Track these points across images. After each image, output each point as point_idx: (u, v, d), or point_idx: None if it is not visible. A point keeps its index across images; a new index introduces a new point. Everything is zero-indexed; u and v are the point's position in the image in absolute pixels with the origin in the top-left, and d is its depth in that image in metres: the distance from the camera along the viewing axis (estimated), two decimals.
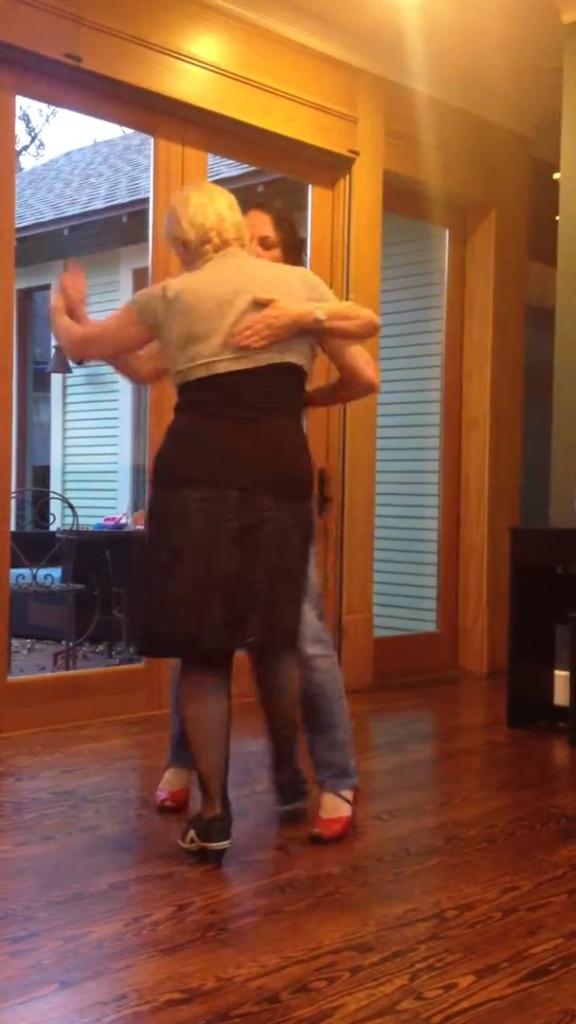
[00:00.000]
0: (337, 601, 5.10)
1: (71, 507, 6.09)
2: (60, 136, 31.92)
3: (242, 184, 6.22)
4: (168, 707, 3.38)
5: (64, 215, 8.56)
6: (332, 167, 5.10)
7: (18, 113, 8.65)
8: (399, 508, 6.07)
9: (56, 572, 5.86)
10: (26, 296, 8.81)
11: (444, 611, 5.91)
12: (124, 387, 8.44)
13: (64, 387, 9.02)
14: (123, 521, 6.72)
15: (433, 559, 5.94)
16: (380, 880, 2.60)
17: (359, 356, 2.89)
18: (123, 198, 8.21)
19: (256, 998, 1.94)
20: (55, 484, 8.90)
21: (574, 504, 4.46)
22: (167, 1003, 1.92)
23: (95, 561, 5.98)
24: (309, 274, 2.87)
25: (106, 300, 7.46)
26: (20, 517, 6.99)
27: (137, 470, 8.16)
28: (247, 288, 2.68)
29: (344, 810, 2.95)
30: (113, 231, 8.15)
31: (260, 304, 2.64)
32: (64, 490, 8.32)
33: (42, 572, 5.57)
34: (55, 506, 6.98)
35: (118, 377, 8.47)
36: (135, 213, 7.63)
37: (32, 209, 9.41)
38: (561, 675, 4.40)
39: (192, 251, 2.78)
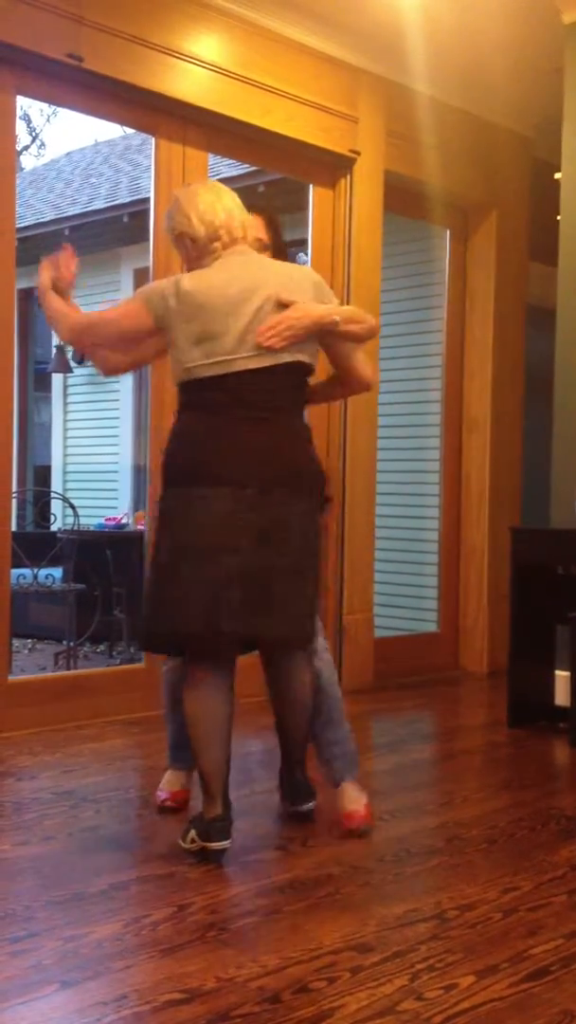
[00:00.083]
0: (338, 601, 5.10)
1: (72, 507, 6.09)
2: (61, 136, 31.95)
3: (243, 184, 6.22)
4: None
5: (65, 215, 8.57)
6: (333, 167, 5.10)
7: (19, 113, 8.65)
8: (400, 508, 6.07)
9: (57, 572, 5.86)
10: (27, 296, 8.81)
11: (445, 611, 5.91)
12: (125, 387, 8.45)
13: (65, 387, 9.02)
14: (124, 521, 6.73)
15: (434, 559, 5.94)
16: (381, 880, 2.60)
17: (359, 355, 2.93)
18: (124, 198, 8.22)
19: (256, 998, 1.94)
20: (56, 484, 8.90)
21: (575, 504, 4.46)
22: (167, 1003, 1.92)
23: (96, 561, 5.98)
24: (314, 274, 2.91)
25: (106, 300, 7.47)
26: (21, 517, 6.99)
27: (138, 470, 8.16)
28: (260, 287, 2.70)
29: (364, 796, 3.00)
30: (114, 231, 8.15)
31: (280, 304, 2.68)
32: (65, 490, 8.32)
33: (43, 572, 5.57)
34: (56, 506, 6.98)
35: (119, 377, 8.53)
36: (136, 213, 7.64)
37: (33, 209, 9.42)
38: (561, 675, 4.40)
39: (200, 248, 2.78)
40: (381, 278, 5.28)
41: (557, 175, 4.66)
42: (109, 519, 6.81)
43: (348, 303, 4.99)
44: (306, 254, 5.18)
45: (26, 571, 5.43)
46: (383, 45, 5.00)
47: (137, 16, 4.20)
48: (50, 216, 8.79)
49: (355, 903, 2.44)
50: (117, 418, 8.59)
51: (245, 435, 2.67)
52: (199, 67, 4.42)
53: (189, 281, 2.70)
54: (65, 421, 9.06)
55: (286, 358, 2.70)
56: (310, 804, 3.01)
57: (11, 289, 4.08)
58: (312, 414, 3.28)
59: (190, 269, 2.81)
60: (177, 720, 3.12)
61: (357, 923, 2.30)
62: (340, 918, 2.34)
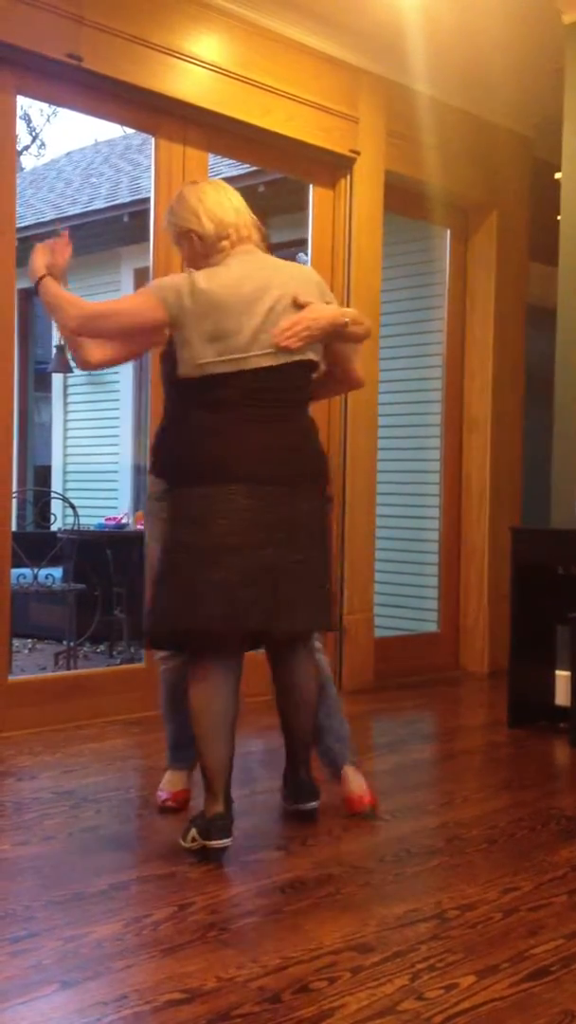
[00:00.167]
0: (338, 601, 5.10)
1: (72, 507, 6.09)
2: (61, 136, 31.96)
3: (243, 184, 6.21)
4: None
5: (65, 215, 8.57)
6: (333, 167, 5.10)
7: (19, 113, 8.64)
8: (400, 508, 6.07)
9: (57, 572, 5.86)
10: (27, 296, 8.81)
11: (445, 611, 5.91)
12: (125, 387, 8.45)
13: (65, 387, 9.02)
14: (124, 521, 6.72)
15: (434, 559, 5.94)
16: (381, 880, 2.60)
17: (355, 355, 3.01)
18: (124, 198, 8.22)
19: (257, 998, 1.94)
20: (56, 484, 8.90)
21: (575, 505, 4.46)
22: (167, 1003, 1.92)
23: (96, 561, 5.98)
24: (315, 274, 2.95)
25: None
26: (21, 517, 6.99)
27: (138, 470, 8.16)
28: (272, 286, 2.73)
29: (364, 778, 3.12)
30: (114, 231, 8.16)
31: (295, 304, 2.73)
32: (65, 490, 8.32)
33: (43, 572, 5.57)
34: (56, 506, 6.98)
35: (119, 377, 8.53)
36: (136, 213, 7.64)
37: (33, 209, 9.42)
38: (562, 675, 4.40)
39: (208, 245, 2.79)
40: (381, 278, 5.28)
41: (557, 175, 4.66)
42: (109, 519, 6.81)
43: (349, 303, 5.00)
44: (306, 254, 5.18)
45: (26, 571, 5.43)
46: (383, 45, 5.00)
47: (137, 16, 4.20)
48: (50, 216, 8.80)
49: (355, 903, 2.44)
50: (117, 418, 8.58)
51: (260, 433, 2.71)
52: (199, 67, 4.42)
53: (204, 279, 2.71)
54: (65, 421, 9.06)
55: (297, 356, 2.75)
56: (313, 803, 3.01)
57: (11, 289, 4.08)
58: (312, 413, 3.28)
59: (195, 267, 2.81)
60: (177, 720, 3.12)
61: (357, 923, 2.30)
62: (340, 918, 2.34)
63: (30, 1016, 1.87)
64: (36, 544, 5.78)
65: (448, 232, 5.89)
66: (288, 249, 5.45)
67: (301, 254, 5.38)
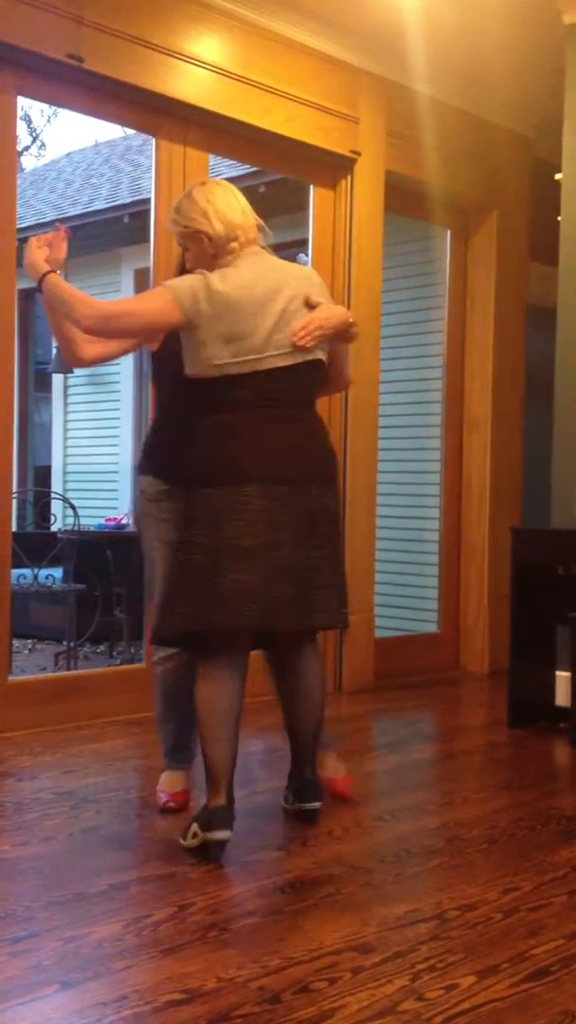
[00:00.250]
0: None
1: (72, 507, 6.09)
2: (61, 136, 31.93)
3: (243, 185, 6.15)
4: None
5: (65, 215, 8.56)
6: (333, 167, 5.10)
7: (20, 113, 8.65)
8: (400, 508, 6.06)
9: (57, 572, 5.86)
10: (27, 296, 8.81)
11: (445, 611, 5.91)
12: (125, 387, 8.45)
13: (65, 387, 9.02)
14: (124, 521, 6.72)
15: (434, 559, 5.94)
16: (381, 881, 2.60)
17: (347, 356, 3.09)
18: (124, 198, 8.22)
19: (257, 999, 1.94)
20: (56, 484, 8.90)
21: (575, 505, 4.46)
22: (168, 1004, 1.92)
23: (96, 561, 5.98)
24: (317, 275, 3.00)
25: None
26: (21, 517, 6.99)
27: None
28: (284, 287, 2.78)
29: (343, 765, 3.24)
30: (114, 231, 8.15)
31: (306, 304, 2.80)
32: (65, 490, 8.32)
33: (43, 572, 5.57)
34: (56, 506, 6.98)
35: (119, 377, 8.53)
36: (136, 214, 7.64)
37: (33, 209, 9.42)
38: (562, 676, 4.40)
39: (217, 246, 2.81)
40: (382, 278, 5.28)
41: (558, 175, 4.66)
42: (109, 519, 6.81)
43: (349, 303, 5.01)
44: (307, 255, 5.18)
45: (26, 571, 5.43)
46: (383, 45, 5.00)
47: (137, 17, 4.20)
48: (51, 216, 8.79)
49: (356, 903, 2.44)
50: (117, 418, 8.58)
51: (274, 433, 2.75)
52: (200, 68, 4.42)
53: (219, 281, 2.73)
54: (65, 421, 9.06)
55: (308, 356, 2.80)
56: (317, 804, 3.01)
57: (11, 289, 4.08)
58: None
59: (202, 267, 2.82)
60: (175, 720, 3.13)
61: (358, 923, 2.30)
62: (341, 918, 2.34)
63: (30, 1016, 1.87)
64: (36, 544, 5.78)
65: (448, 232, 5.89)
66: (289, 250, 5.44)
67: (301, 254, 5.38)
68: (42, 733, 4.05)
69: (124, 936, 2.22)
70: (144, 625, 4.30)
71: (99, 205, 8.43)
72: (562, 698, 4.40)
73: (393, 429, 5.84)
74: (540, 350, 5.44)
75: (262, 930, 2.28)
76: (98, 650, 6.47)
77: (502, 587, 5.24)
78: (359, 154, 5.06)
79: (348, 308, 4.96)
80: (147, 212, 4.86)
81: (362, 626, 5.21)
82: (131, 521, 6.72)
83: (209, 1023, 1.85)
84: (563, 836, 2.97)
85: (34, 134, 20.45)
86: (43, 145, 20.78)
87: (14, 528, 4.36)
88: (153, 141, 4.51)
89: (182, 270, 3.03)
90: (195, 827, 2.70)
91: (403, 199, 5.45)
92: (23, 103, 15.45)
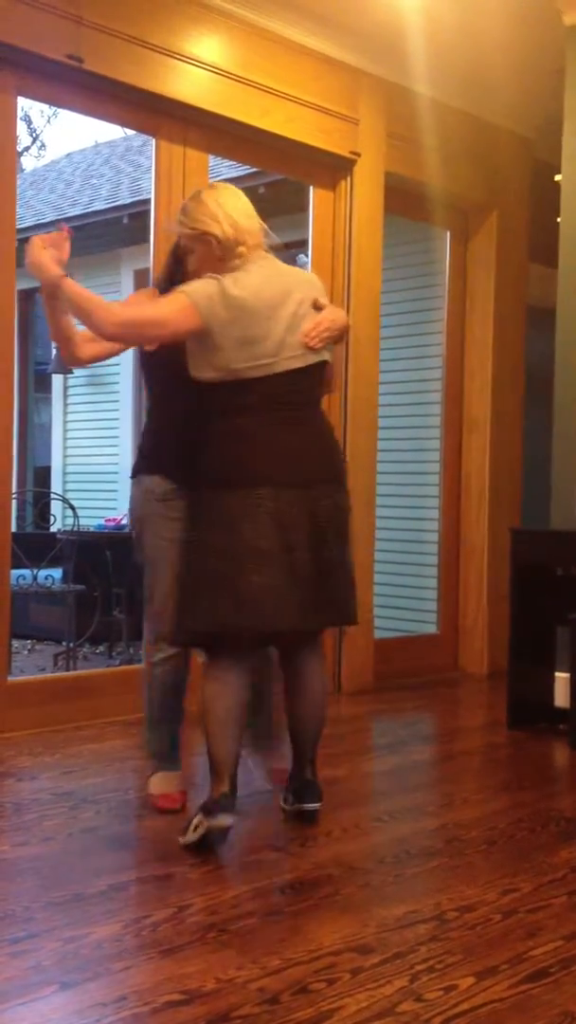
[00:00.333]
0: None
1: (72, 508, 6.09)
2: (61, 137, 31.95)
3: (243, 185, 6.12)
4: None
5: (65, 216, 8.56)
6: (333, 168, 5.10)
7: (20, 114, 8.65)
8: (400, 508, 6.06)
9: (57, 573, 5.86)
10: (27, 297, 8.81)
11: (444, 612, 5.91)
12: (125, 388, 8.45)
13: (65, 388, 9.02)
14: (124, 522, 6.72)
15: (433, 560, 5.94)
16: (380, 882, 2.60)
17: (336, 358, 3.13)
18: (124, 199, 8.22)
19: (256, 999, 1.94)
20: (56, 485, 8.90)
21: (575, 505, 4.46)
22: (167, 1004, 1.92)
23: (96, 562, 5.98)
24: (317, 279, 3.06)
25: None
26: (21, 518, 6.99)
27: None
28: (292, 290, 2.83)
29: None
30: (114, 232, 8.15)
31: (314, 306, 2.86)
32: (65, 491, 8.31)
33: (43, 573, 5.57)
34: (56, 507, 6.98)
35: (119, 378, 8.52)
36: (136, 214, 7.64)
37: (33, 210, 9.42)
38: (561, 677, 4.40)
39: (226, 249, 2.82)
40: (382, 279, 5.28)
41: (557, 177, 4.66)
42: (109, 520, 6.81)
43: (349, 304, 5.01)
44: (307, 255, 5.19)
45: (26, 572, 5.43)
46: (384, 46, 5.00)
47: (137, 17, 4.20)
48: (51, 217, 8.79)
49: (355, 904, 2.44)
50: (117, 419, 8.58)
51: (286, 435, 2.79)
52: (200, 68, 4.42)
53: (233, 286, 2.75)
54: (65, 422, 9.06)
55: (315, 358, 2.86)
56: (316, 804, 3.01)
57: (11, 290, 4.08)
58: None
59: (207, 269, 2.82)
60: (172, 720, 3.14)
61: (357, 924, 2.30)
62: (340, 919, 2.34)
63: (29, 1017, 1.87)
64: (36, 545, 5.78)
65: (448, 233, 5.89)
66: (288, 251, 5.44)
67: (301, 255, 5.38)
68: (41, 733, 4.05)
69: (123, 937, 2.22)
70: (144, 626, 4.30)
71: (99, 206, 8.43)
72: (561, 699, 4.39)
73: (393, 430, 5.83)
74: (540, 351, 5.44)
75: (261, 931, 2.28)
76: (97, 651, 6.46)
77: (501, 588, 5.23)
78: (359, 155, 5.06)
79: (348, 309, 4.99)
80: (147, 213, 4.86)
81: (361, 627, 5.19)
82: (129, 523, 6.73)
83: None
84: (562, 837, 2.97)
85: (34, 134, 20.48)
86: (43, 145, 20.81)
87: (14, 529, 4.35)
88: (153, 142, 4.51)
89: (169, 271, 3.04)
90: (197, 818, 2.71)
91: (403, 200, 5.45)
92: (23, 103, 15.46)
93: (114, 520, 6.78)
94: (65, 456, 9.04)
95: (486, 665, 5.76)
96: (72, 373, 8.60)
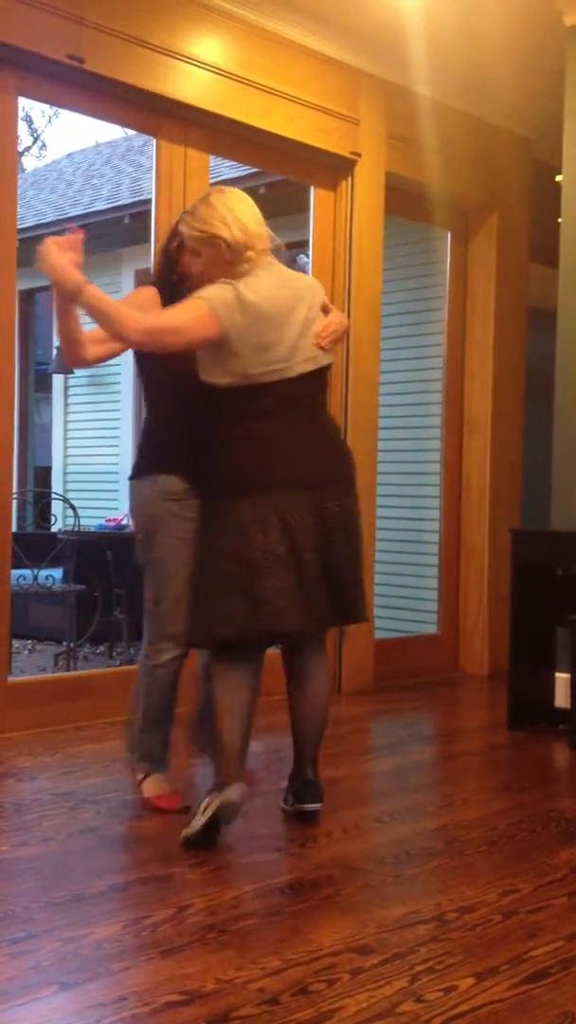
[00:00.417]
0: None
1: (72, 508, 6.09)
2: (62, 137, 31.96)
3: (244, 186, 6.14)
4: None
5: (66, 216, 8.56)
6: (334, 169, 5.10)
7: (20, 114, 8.65)
8: (400, 509, 6.06)
9: (57, 573, 5.86)
10: (28, 297, 8.82)
11: (445, 613, 5.90)
12: (126, 388, 8.45)
13: (66, 388, 9.02)
14: (124, 522, 6.72)
15: (434, 560, 5.94)
16: (380, 882, 2.60)
17: None
18: (125, 199, 8.22)
19: (256, 1000, 1.94)
20: (56, 485, 8.90)
21: (575, 506, 4.46)
22: (166, 1005, 1.92)
23: (96, 562, 5.98)
24: (319, 283, 3.10)
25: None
26: (21, 518, 6.99)
27: None
28: (302, 295, 2.89)
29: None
30: (115, 232, 8.15)
31: (322, 309, 2.93)
32: (65, 491, 8.32)
33: (43, 573, 5.57)
34: (56, 507, 6.98)
35: (120, 378, 8.52)
36: (137, 214, 7.64)
37: (34, 210, 9.42)
38: (562, 677, 4.39)
39: (235, 253, 2.83)
40: (382, 280, 5.28)
41: (558, 177, 4.66)
42: (109, 520, 6.80)
43: (350, 305, 5.01)
44: (307, 256, 5.18)
45: (26, 572, 5.43)
46: (384, 47, 5.00)
47: (138, 17, 4.20)
48: (51, 217, 8.80)
49: (355, 905, 2.44)
50: (118, 419, 8.59)
51: (299, 438, 2.84)
52: (200, 69, 4.42)
53: (248, 291, 2.77)
54: (66, 422, 9.06)
55: (325, 360, 2.92)
56: (317, 805, 3.01)
57: (12, 290, 4.08)
58: None
59: (214, 273, 2.82)
60: (168, 721, 3.14)
61: (357, 925, 2.30)
62: (340, 920, 2.34)
63: (29, 1017, 1.87)
64: (36, 545, 5.78)
65: (449, 234, 5.89)
66: (289, 251, 5.44)
67: (302, 256, 5.38)
68: (42, 734, 4.05)
69: (123, 937, 2.22)
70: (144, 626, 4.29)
71: (100, 206, 8.43)
72: (562, 700, 4.39)
73: (393, 430, 5.83)
74: (540, 351, 5.44)
75: (261, 931, 2.28)
76: (98, 651, 6.46)
77: (502, 588, 5.23)
78: (360, 155, 5.06)
79: (349, 310, 5.00)
80: (148, 213, 4.86)
81: (362, 627, 5.19)
82: (132, 523, 6.72)
83: None
84: (562, 838, 2.97)
85: (35, 135, 20.48)
86: (44, 146, 20.81)
87: (14, 529, 4.35)
88: (154, 142, 4.51)
89: (162, 271, 3.04)
90: (207, 800, 2.74)
91: (404, 201, 5.45)
92: (24, 103, 15.45)
93: (115, 520, 6.77)
94: (66, 456, 9.04)
95: (486, 665, 5.76)
96: (73, 373, 8.60)
